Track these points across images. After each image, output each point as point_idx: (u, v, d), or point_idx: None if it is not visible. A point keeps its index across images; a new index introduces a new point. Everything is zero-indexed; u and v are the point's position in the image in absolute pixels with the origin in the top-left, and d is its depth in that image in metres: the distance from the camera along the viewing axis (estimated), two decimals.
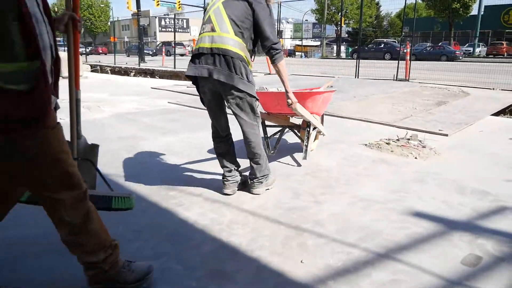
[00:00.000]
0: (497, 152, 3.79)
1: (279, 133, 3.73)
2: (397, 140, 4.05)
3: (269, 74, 12.58)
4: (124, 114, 5.91)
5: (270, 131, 3.75)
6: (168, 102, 7.16)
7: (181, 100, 7.43)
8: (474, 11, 31.91)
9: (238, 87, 2.39)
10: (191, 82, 2.62)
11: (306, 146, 3.37)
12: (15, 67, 1.23)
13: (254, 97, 2.51)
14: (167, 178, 3.02)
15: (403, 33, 14.90)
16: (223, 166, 2.72)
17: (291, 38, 57.88)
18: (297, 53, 30.69)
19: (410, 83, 10.17)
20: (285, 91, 2.73)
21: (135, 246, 2.00)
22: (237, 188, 2.72)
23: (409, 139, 4.03)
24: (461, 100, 7.25)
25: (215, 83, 2.42)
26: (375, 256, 1.89)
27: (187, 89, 9.12)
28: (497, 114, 6.47)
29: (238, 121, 2.57)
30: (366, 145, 4.02)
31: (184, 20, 53.45)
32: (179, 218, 2.34)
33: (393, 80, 10.89)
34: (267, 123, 3.61)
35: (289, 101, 2.74)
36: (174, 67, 15.92)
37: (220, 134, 2.70)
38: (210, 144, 4.01)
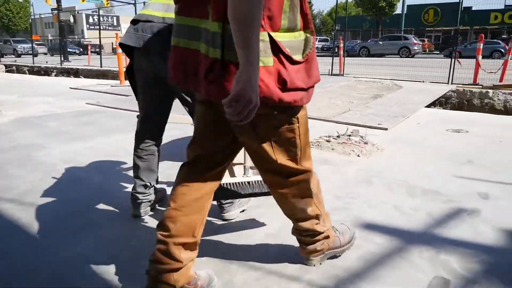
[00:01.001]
0: (438, 145, 3.62)
1: None
2: (337, 136, 3.72)
3: None
4: (28, 118, 5.02)
5: None
6: (86, 103, 6.30)
7: (103, 100, 6.58)
8: (398, 10, 33.76)
9: None
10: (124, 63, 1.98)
11: None
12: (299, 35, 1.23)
13: None
14: (63, 198, 2.37)
15: (335, 28, 15.06)
16: (137, 177, 2.06)
17: None
18: None
19: (345, 77, 10.16)
20: None
21: None
22: (149, 208, 2.15)
23: (350, 135, 3.73)
24: (395, 93, 7.25)
25: (159, 62, 1.79)
26: None
27: (110, 88, 8.23)
28: (429, 105, 6.53)
29: (190, 114, 1.95)
30: None
31: (114, 18, 50.36)
32: (68, 255, 1.73)
33: (329, 75, 10.85)
34: None
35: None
36: (101, 66, 14.66)
37: (149, 137, 2.04)
38: (126, 150, 3.42)
